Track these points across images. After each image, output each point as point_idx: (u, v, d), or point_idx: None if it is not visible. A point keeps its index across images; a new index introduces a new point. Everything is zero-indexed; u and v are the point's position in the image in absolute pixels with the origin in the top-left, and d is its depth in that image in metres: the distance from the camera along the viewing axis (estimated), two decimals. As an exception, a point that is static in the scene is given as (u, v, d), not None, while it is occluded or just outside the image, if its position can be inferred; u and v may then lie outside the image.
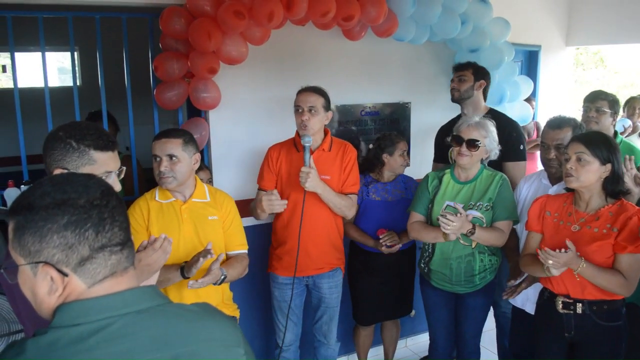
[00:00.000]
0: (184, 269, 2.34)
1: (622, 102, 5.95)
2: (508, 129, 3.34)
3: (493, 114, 3.43)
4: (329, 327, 3.19)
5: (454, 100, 3.51)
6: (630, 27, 5.03)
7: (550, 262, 2.28)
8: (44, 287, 0.99)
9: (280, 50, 3.37)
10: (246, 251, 2.67)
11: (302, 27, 3.27)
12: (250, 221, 3.25)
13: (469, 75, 3.44)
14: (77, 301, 0.99)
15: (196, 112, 3.30)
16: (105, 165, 1.68)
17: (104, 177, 1.66)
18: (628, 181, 2.46)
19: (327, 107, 2.93)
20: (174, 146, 2.39)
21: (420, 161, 3.60)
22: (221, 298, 2.61)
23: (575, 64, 15.58)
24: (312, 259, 3.00)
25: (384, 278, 3.32)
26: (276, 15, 2.86)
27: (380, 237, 3.17)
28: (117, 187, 1.73)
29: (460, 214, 2.66)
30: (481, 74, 3.48)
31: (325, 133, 3.02)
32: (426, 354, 3.29)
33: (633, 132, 5.51)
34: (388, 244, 3.14)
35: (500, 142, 3.07)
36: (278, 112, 3.40)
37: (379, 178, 3.33)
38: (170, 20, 2.89)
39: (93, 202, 0.99)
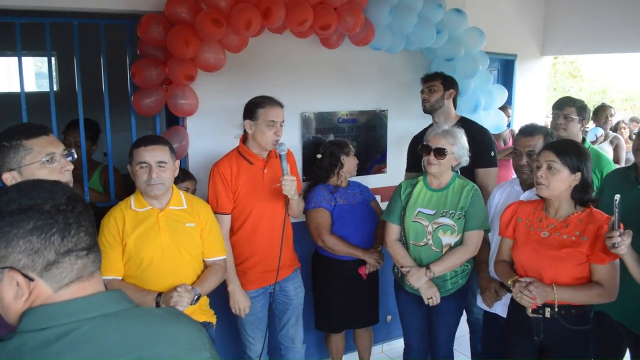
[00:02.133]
0: (159, 301, 2.38)
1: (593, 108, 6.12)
2: (479, 136, 3.40)
3: (464, 122, 3.49)
4: (295, 330, 3.22)
5: (425, 111, 3.55)
6: (605, 37, 5.14)
7: (526, 303, 2.41)
8: (10, 292, 0.99)
9: (258, 58, 3.40)
10: (224, 257, 2.70)
11: (280, 35, 3.30)
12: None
13: (439, 85, 3.49)
14: (43, 306, 1.00)
15: (174, 119, 3.32)
16: (43, 149, 1.75)
17: (49, 160, 1.75)
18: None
19: None
20: (163, 153, 2.41)
21: (397, 168, 3.64)
22: (198, 304, 2.61)
23: (554, 73, 15.84)
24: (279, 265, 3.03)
25: (348, 286, 3.36)
26: (254, 23, 2.89)
27: (365, 272, 3.31)
28: (70, 166, 1.82)
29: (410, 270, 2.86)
30: (450, 83, 3.53)
31: None
32: (402, 359, 3.32)
33: (605, 139, 5.64)
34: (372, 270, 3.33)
35: (472, 149, 3.12)
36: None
37: (339, 183, 3.38)
38: (148, 27, 2.91)
39: (59, 208, 1.01)
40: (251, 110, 2.88)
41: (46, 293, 1.00)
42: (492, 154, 3.40)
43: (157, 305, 2.37)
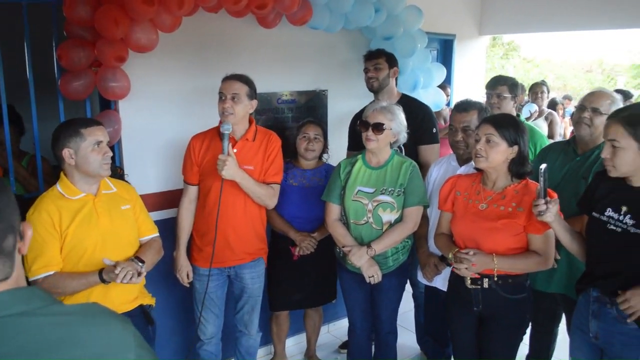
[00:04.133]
0: (106, 279, 2.31)
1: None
2: (421, 114, 3.45)
3: (406, 100, 3.54)
4: (250, 317, 3.19)
5: (372, 89, 3.55)
6: (541, 16, 5.27)
7: (464, 270, 2.47)
8: None
9: (193, 37, 3.30)
10: (157, 234, 2.68)
11: (216, 14, 3.22)
12: (168, 213, 3.20)
13: (384, 63, 3.52)
14: None
15: (106, 103, 3.19)
16: None
17: None
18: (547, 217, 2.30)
19: (252, 95, 2.91)
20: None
21: (338, 148, 3.62)
22: (139, 286, 2.58)
23: (495, 53, 16.27)
24: (232, 249, 2.99)
25: (302, 264, 3.34)
26: (187, 1, 2.79)
27: (294, 252, 3.29)
28: None
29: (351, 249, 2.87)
30: (394, 61, 3.56)
31: (250, 122, 3.01)
32: (347, 337, 3.35)
33: (539, 115, 5.83)
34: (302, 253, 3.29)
35: (414, 126, 3.17)
36: (192, 101, 3.34)
37: (298, 164, 3.39)
38: (74, 6, 2.76)
39: None
40: None
41: None
42: (434, 130, 3.46)
43: (103, 281, 2.32)
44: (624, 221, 2.19)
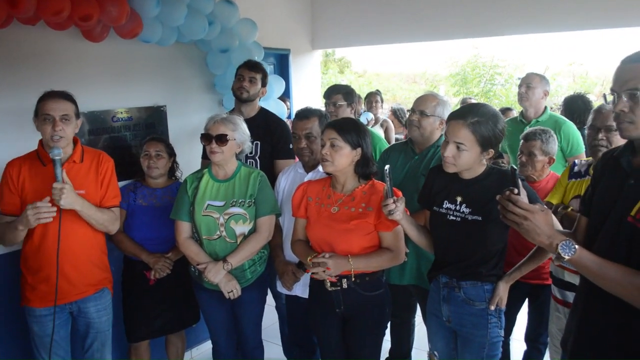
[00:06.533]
0: None
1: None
2: (279, 129, 3.49)
3: (264, 114, 3.57)
4: (101, 355, 2.92)
5: (241, 99, 3.48)
6: (367, 30, 5.63)
7: (322, 274, 2.47)
8: None
9: (8, 52, 2.99)
10: None
11: (33, 26, 2.94)
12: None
13: (259, 79, 3.50)
14: None
15: None
16: None
17: None
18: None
19: (78, 114, 2.70)
20: None
21: (182, 164, 3.48)
22: None
23: (325, 67, 17.10)
24: (72, 283, 2.72)
25: (160, 288, 3.17)
26: (-3, 12, 2.52)
27: (150, 276, 3.13)
28: None
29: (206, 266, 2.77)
30: (266, 80, 3.57)
31: (75, 142, 2.76)
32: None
33: (375, 123, 6.18)
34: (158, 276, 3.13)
35: (271, 140, 3.17)
36: (8, 123, 3.01)
37: (146, 183, 3.25)
38: None
39: None
40: (36, 106, 2.62)
41: None
42: (291, 146, 3.47)
43: None
44: (461, 210, 2.36)
